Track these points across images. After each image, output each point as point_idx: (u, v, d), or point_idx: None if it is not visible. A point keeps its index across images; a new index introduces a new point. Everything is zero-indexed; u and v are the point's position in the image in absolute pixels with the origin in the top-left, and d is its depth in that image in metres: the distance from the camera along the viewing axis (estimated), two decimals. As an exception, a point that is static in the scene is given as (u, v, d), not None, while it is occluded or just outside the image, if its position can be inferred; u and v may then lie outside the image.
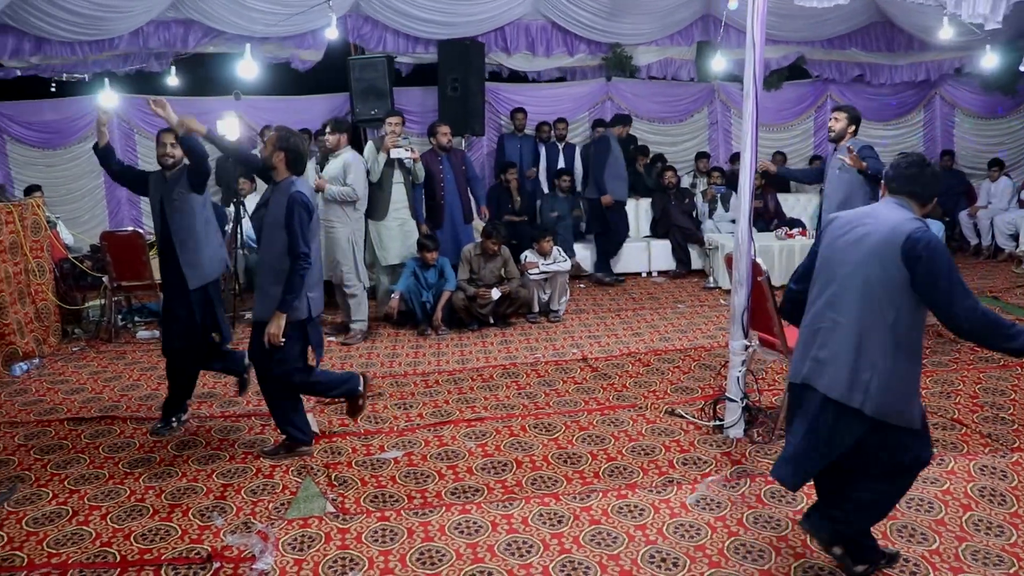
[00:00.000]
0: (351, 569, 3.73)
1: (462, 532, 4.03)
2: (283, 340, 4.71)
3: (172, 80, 10.56)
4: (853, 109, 6.76)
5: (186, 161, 5.37)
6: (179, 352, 5.50)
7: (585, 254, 10.46)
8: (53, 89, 11.48)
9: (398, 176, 8.13)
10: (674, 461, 4.82)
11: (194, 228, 5.40)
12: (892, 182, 3.38)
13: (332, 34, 8.76)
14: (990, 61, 11.20)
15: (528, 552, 3.82)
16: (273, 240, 4.77)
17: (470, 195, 8.95)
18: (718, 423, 5.24)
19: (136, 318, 8.66)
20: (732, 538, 3.92)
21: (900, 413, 3.23)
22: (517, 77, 11.99)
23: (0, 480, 4.81)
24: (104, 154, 5.44)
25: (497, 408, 5.80)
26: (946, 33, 9.75)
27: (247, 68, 9.77)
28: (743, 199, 4.94)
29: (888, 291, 3.16)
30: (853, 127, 6.63)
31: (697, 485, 4.48)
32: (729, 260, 5.17)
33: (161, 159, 5.40)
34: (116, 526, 4.20)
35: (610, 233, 10.28)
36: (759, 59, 4.83)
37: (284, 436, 5.08)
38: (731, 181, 10.49)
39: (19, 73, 10.39)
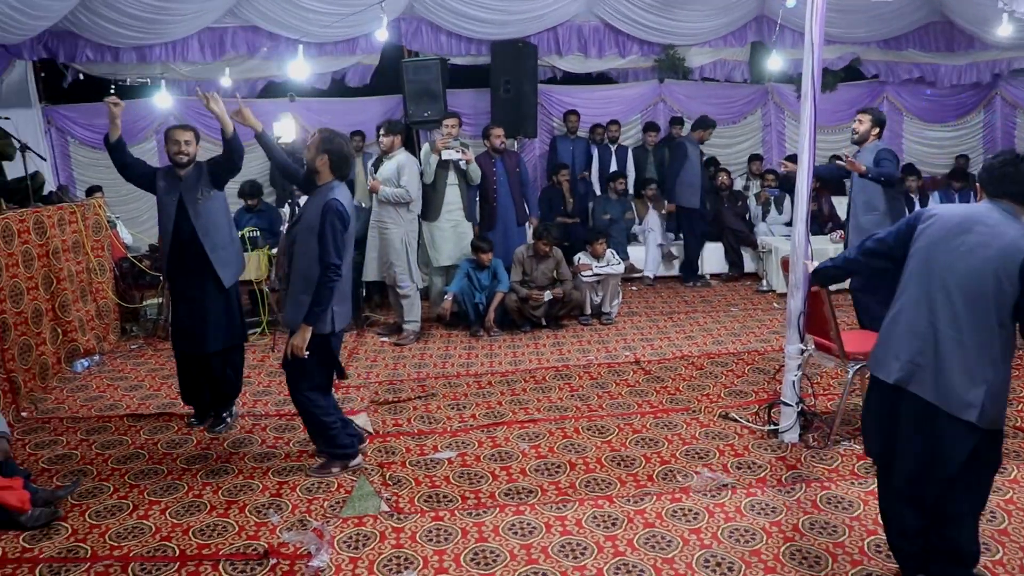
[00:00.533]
0: (406, 568, 3.75)
1: (516, 533, 4.03)
2: (307, 353, 4.54)
3: (226, 81, 10.68)
4: (878, 112, 6.71)
5: (199, 159, 5.40)
6: (218, 354, 5.53)
7: (639, 256, 10.41)
8: (113, 91, 11.67)
9: (452, 178, 8.16)
10: (728, 465, 4.78)
11: (222, 226, 5.42)
12: (988, 185, 3.24)
13: (383, 36, 8.79)
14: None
15: (582, 554, 3.82)
16: (306, 246, 4.57)
17: (523, 198, 8.96)
18: (773, 427, 5.19)
19: (193, 317, 8.78)
20: (788, 544, 3.88)
21: (1001, 418, 3.19)
22: (569, 79, 11.98)
23: (63, 474, 4.92)
24: (115, 147, 5.29)
25: (550, 410, 5.80)
26: (1004, 31, 9.54)
27: (298, 69, 9.86)
28: (800, 203, 4.89)
29: (1000, 305, 3.06)
30: (877, 129, 6.57)
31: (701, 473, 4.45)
32: (786, 263, 5.11)
33: (175, 156, 5.28)
34: (175, 521, 4.27)
35: (686, 238, 10.30)
36: (818, 61, 4.78)
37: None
38: (784, 184, 10.38)
39: (81, 76, 10.62)
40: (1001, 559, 3.69)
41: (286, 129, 7.80)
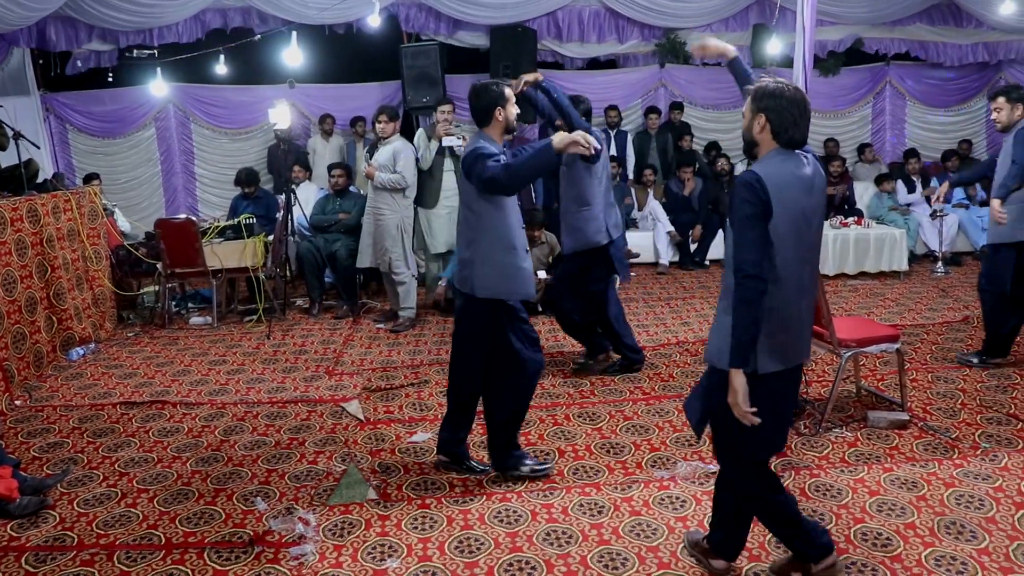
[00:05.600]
0: (389, 556, 3.74)
1: (502, 521, 4.02)
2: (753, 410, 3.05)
3: (222, 68, 10.69)
4: (1016, 89, 5.91)
5: None
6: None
7: (636, 242, 10.37)
8: (110, 79, 11.69)
9: (449, 164, 8.13)
10: (718, 452, 4.76)
11: None
12: None
13: (375, 21, 8.75)
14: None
15: (567, 542, 3.81)
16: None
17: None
18: (764, 414, 5.16)
19: (190, 304, 8.80)
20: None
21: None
22: (569, 64, 11.93)
23: (55, 462, 4.93)
24: None
25: (542, 397, 5.77)
26: (1007, 8, 9.47)
27: (293, 55, 9.86)
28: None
29: None
30: (1021, 107, 5.79)
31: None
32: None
33: None
34: (163, 509, 4.27)
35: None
36: (809, 43, 4.76)
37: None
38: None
39: (80, 66, 10.61)
40: (987, 547, 3.66)
41: (281, 116, 7.78)
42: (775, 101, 3.01)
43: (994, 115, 5.94)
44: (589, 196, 5.85)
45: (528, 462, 4.51)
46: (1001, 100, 5.86)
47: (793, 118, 3.00)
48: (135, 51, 10.64)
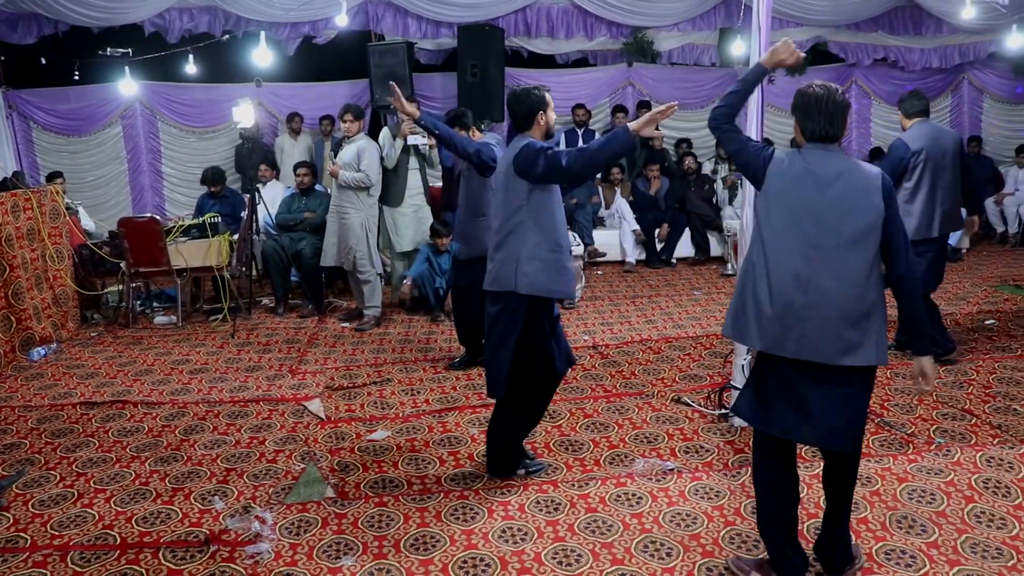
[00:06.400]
0: (345, 554, 3.75)
1: (458, 518, 4.04)
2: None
3: (190, 68, 10.63)
4: None
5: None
6: None
7: (603, 240, 10.40)
8: (76, 76, 11.59)
9: (414, 163, 8.14)
10: (676, 449, 4.79)
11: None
12: None
13: (342, 21, 8.73)
14: (1016, 42, 11.03)
15: (523, 539, 3.82)
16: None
17: None
18: (723, 411, 5.21)
19: (155, 304, 8.75)
20: (728, 527, 3.89)
21: None
22: (538, 63, 11.96)
23: (11, 463, 4.89)
24: None
25: (504, 395, 5.80)
26: (968, 13, 9.59)
27: (262, 55, 9.82)
28: (748, 185, 4.90)
29: None
30: None
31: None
32: (736, 246, 5.12)
33: None
34: (119, 509, 4.25)
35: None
36: (765, 43, 4.78)
37: None
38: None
39: (43, 60, 10.52)
40: (936, 541, 3.72)
41: (245, 114, 7.74)
42: (800, 99, 3.24)
43: None
44: (484, 207, 5.89)
45: (527, 462, 4.55)
46: None
47: (811, 112, 3.18)
48: (108, 49, 10.56)
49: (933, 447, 4.71)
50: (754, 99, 4.81)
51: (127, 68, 10.72)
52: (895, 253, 3.15)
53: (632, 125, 3.90)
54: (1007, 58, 12.05)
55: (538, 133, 4.24)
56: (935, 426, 5.00)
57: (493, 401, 5.11)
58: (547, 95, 4.27)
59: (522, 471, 4.49)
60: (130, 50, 10.64)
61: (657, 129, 3.99)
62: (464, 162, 6.00)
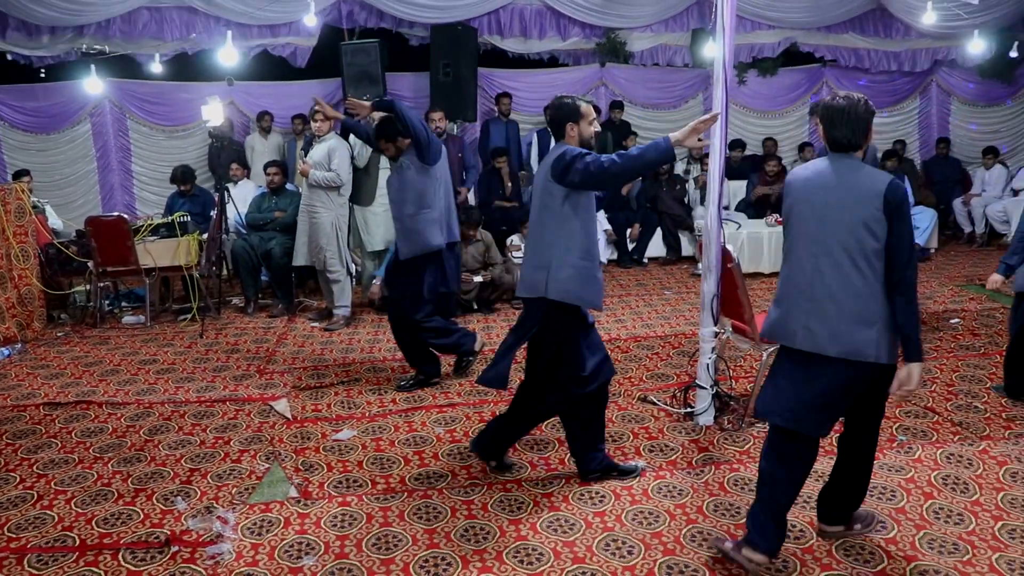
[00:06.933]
0: (306, 554, 3.73)
1: (421, 518, 4.03)
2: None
3: (156, 67, 10.56)
4: None
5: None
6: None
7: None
8: (43, 75, 11.48)
9: (385, 162, 8.08)
10: (641, 448, 4.81)
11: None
12: None
13: (311, 21, 8.70)
14: (977, 47, 11.21)
15: (484, 538, 3.82)
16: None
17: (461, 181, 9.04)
18: (689, 410, 5.23)
19: (123, 303, 8.68)
20: (690, 525, 3.91)
21: None
22: (510, 63, 11.96)
23: (-30, 464, 4.84)
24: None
25: (471, 394, 5.79)
26: (929, 18, 9.71)
27: (228, 55, 9.79)
28: (712, 186, 4.93)
29: None
30: None
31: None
32: (701, 246, 5.15)
33: None
34: (79, 510, 4.22)
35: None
36: (729, 43, 4.83)
37: None
38: (726, 168, 10.48)
39: (8, 57, 10.40)
40: (895, 537, 3.75)
41: (214, 113, 7.70)
42: (824, 110, 3.44)
43: None
44: (430, 198, 5.75)
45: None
46: None
47: (833, 122, 3.38)
48: (85, 46, 10.47)
49: (895, 444, 4.75)
50: (718, 100, 4.83)
51: (93, 67, 10.60)
52: (894, 260, 3.27)
53: (674, 136, 3.91)
54: (973, 64, 12.21)
55: (572, 142, 4.18)
56: (897, 424, 5.04)
57: (458, 401, 5.14)
58: (584, 106, 4.20)
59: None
60: (106, 47, 10.50)
61: (700, 141, 3.97)
62: (400, 157, 5.88)
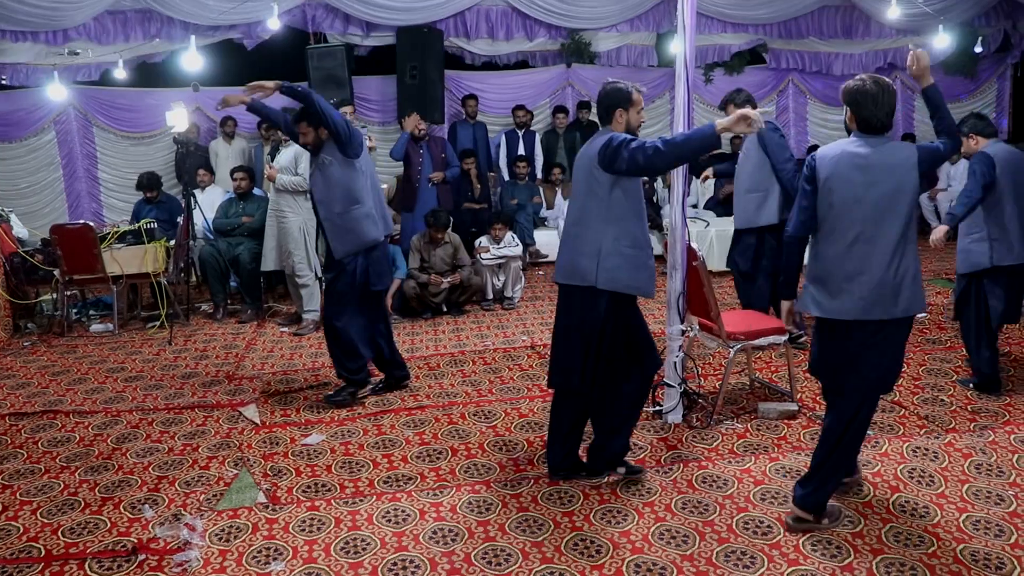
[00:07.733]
0: (275, 559, 3.72)
1: (390, 521, 4.02)
2: None
3: (120, 73, 10.47)
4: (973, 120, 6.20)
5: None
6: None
7: (545, 241, 10.43)
8: (4, 80, 11.34)
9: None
10: (610, 447, 4.82)
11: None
12: None
13: (275, 24, 8.68)
14: (942, 41, 11.32)
15: (453, 540, 3.82)
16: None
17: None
18: (657, 408, 5.25)
19: (91, 311, 8.61)
20: (658, 523, 3.92)
21: None
22: (479, 65, 11.98)
23: (-67, 476, 4.78)
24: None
25: (440, 396, 5.80)
26: (894, 12, 9.81)
27: (192, 60, 9.75)
28: (677, 185, 4.95)
29: None
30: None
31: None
32: (666, 244, 5.18)
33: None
34: (45, 520, 4.18)
35: None
36: (691, 43, 4.85)
37: None
38: (693, 167, 10.55)
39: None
40: (861, 531, 3.78)
41: (178, 119, 7.64)
42: (851, 95, 3.69)
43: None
44: (358, 193, 5.56)
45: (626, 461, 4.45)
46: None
47: (866, 103, 3.63)
48: (66, 51, 10.38)
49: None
50: (680, 95, 4.86)
51: (55, 74, 10.49)
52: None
53: (720, 123, 3.87)
54: (936, 61, 12.33)
55: (619, 129, 4.16)
56: (864, 418, 5.08)
57: (428, 404, 5.13)
58: (636, 94, 4.18)
59: (623, 469, 4.41)
60: (88, 50, 10.41)
61: (749, 127, 3.93)
62: (321, 153, 5.63)
